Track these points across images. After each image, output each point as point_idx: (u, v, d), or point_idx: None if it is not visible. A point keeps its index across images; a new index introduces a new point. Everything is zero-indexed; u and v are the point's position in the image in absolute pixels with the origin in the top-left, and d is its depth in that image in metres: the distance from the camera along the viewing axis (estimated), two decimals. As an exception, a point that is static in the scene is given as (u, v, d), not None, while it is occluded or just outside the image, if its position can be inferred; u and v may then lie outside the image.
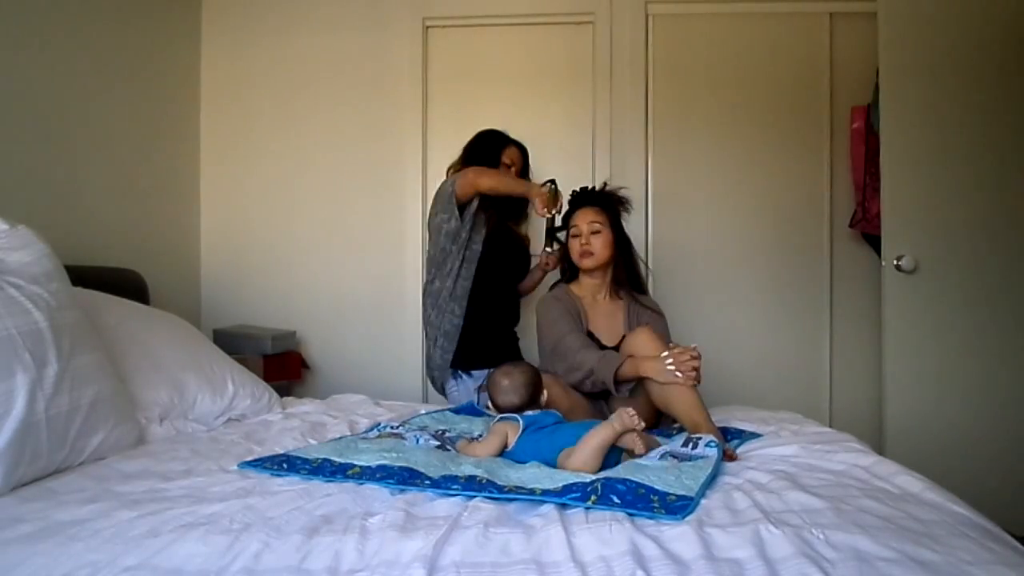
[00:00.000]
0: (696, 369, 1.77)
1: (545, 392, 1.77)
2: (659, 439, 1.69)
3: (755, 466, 1.44)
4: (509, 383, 1.71)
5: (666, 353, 1.79)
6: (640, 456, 1.46)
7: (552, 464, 1.47)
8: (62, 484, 1.31)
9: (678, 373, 1.76)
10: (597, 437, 1.44)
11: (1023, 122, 2.47)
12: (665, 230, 2.98)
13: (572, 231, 2.15)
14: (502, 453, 1.57)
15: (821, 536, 0.99)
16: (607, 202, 2.17)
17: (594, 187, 2.23)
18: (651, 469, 1.33)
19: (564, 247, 2.22)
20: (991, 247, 2.49)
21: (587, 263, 2.12)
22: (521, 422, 1.59)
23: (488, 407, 1.81)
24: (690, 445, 1.48)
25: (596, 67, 2.98)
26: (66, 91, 2.37)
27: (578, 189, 2.23)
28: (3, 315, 1.38)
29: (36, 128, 2.26)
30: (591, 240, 2.11)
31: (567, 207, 2.22)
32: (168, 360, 1.93)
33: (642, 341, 1.89)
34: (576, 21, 3.01)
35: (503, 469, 1.39)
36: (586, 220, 2.13)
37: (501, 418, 1.66)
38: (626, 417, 1.46)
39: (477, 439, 1.70)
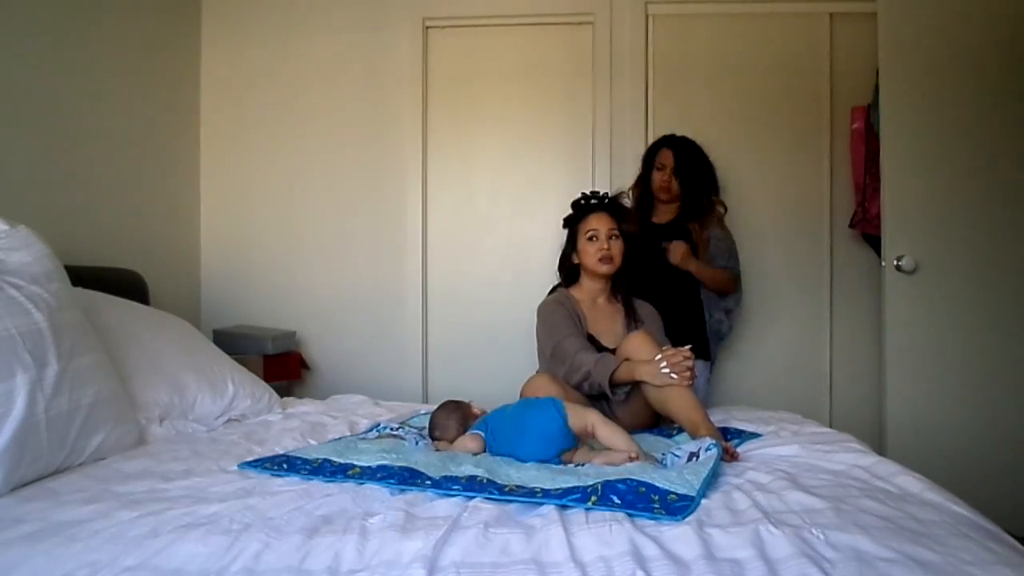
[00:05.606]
0: (690, 369, 1.78)
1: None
2: (661, 440, 1.69)
3: (755, 466, 1.44)
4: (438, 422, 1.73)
5: (659, 356, 1.80)
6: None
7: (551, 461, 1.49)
8: (62, 484, 1.31)
9: (673, 375, 1.76)
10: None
11: (1023, 122, 2.47)
12: (665, 230, 2.97)
13: (589, 235, 2.13)
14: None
15: (821, 536, 0.99)
16: (617, 210, 2.17)
17: (606, 194, 2.22)
18: (652, 467, 1.33)
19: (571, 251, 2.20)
20: (991, 247, 2.49)
21: (606, 269, 2.12)
22: (482, 434, 1.60)
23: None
24: (694, 460, 1.42)
25: (596, 67, 2.98)
26: (66, 91, 2.37)
27: (590, 194, 2.21)
28: (3, 315, 1.38)
29: (36, 128, 2.26)
30: (611, 246, 2.11)
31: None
32: (168, 360, 1.93)
33: (637, 345, 1.90)
34: (576, 21, 3.01)
35: (504, 469, 1.40)
36: (605, 226, 2.12)
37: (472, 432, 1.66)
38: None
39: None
